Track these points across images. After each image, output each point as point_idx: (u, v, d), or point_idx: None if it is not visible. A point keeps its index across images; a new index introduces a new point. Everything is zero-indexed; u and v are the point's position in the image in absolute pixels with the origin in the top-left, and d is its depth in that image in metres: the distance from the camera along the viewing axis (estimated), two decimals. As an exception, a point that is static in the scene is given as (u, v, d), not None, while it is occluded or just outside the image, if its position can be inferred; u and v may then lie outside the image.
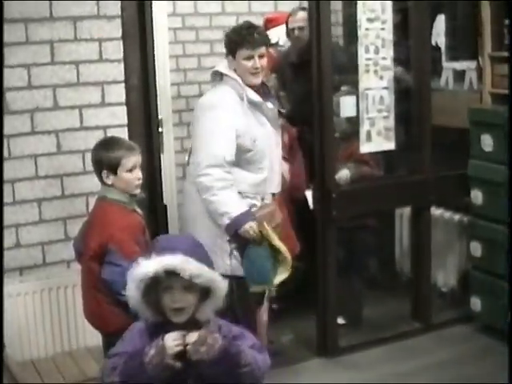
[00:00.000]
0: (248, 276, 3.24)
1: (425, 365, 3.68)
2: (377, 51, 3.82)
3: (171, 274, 2.06)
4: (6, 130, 3.44)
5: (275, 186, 3.39)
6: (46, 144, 3.55)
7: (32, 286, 3.54)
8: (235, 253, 3.25)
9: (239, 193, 3.22)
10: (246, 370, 2.11)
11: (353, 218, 3.91)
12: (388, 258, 4.75)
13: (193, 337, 2.04)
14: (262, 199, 3.30)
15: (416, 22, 3.96)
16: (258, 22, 4.32)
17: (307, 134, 3.84)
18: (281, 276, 3.28)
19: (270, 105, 3.34)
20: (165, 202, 3.68)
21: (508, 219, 3.73)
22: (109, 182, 2.89)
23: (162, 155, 3.79)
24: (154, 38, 3.55)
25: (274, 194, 3.39)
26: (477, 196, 3.99)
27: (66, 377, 3.41)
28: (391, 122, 3.90)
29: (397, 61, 3.89)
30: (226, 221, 3.16)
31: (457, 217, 4.34)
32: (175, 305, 2.09)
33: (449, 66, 4.45)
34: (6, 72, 3.41)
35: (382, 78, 3.85)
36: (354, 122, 3.85)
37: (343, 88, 3.98)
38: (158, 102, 3.64)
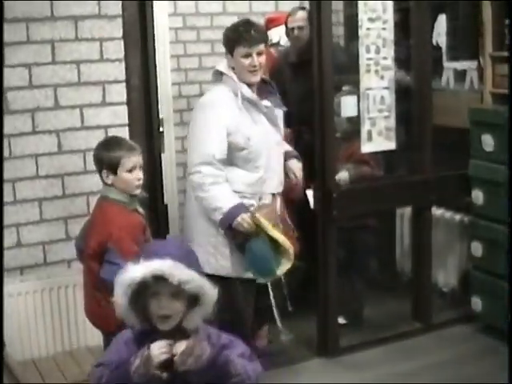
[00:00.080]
0: (251, 268, 3.21)
1: (425, 365, 3.68)
2: (378, 51, 3.82)
3: (159, 279, 2.00)
4: (7, 130, 3.44)
5: (275, 186, 3.35)
6: (47, 143, 3.56)
7: (33, 285, 3.54)
8: (232, 253, 3.24)
9: (236, 192, 3.21)
10: (236, 380, 2.07)
11: (353, 217, 3.91)
12: (388, 257, 4.75)
13: (180, 346, 1.99)
14: (260, 199, 3.27)
15: (417, 22, 3.96)
16: (259, 21, 4.32)
17: (306, 134, 3.84)
18: (284, 266, 3.23)
19: (266, 102, 3.30)
20: (165, 201, 3.68)
21: (509, 219, 3.73)
22: (109, 181, 2.91)
23: (162, 155, 3.79)
24: (155, 38, 3.55)
25: (273, 195, 3.35)
26: (477, 196, 3.99)
27: (67, 376, 3.41)
28: (392, 122, 3.90)
29: (398, 61, 3.89)
30: (219, 216, 3.14)
31: (457, 217, 4.34)
32: (162, 311, 2.04)
33: (450, 66, 4.44)
34: (7, 71, 3.41)
35: (382, 77, 3.85)
36: (355, 122, 3.85)
37: (345, 88, 3.98)
38: (159, 102, 3.63)
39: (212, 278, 3.25)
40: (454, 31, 4.44)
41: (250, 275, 3.27)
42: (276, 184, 3.35)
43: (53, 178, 3.59)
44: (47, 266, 3.63)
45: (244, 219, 3.12)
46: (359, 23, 3.75)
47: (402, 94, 3.96)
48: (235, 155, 3.21)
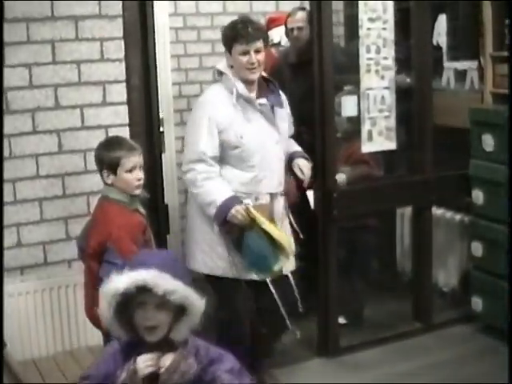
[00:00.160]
0: (247, 263, 3.17)
1: (426, 365, 3.68)
2: (378, 51, 3.82)
3: (144, 290, 1.97)
4: (8, 130, 3.44)
5: (274, 186, 3.29)
6: (48, 143, 3.56)
7: (33, 285, 3.55)
8: (227, 253, 3.22)
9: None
10: None
11: (354, 217, 3.91)
12: (389, 257, 4.75)
13: (166, 360, 1.98)
14: (256, 199, 3.22)
15: (417, 22, 3.95)
16: (260, 21, 4.32)
17: (305, 135, 3.84)
18: (280, 264, 3.17)
19: (262, 100, 3.25)
20: (166, 201, 3.68)
21: (509, 219, 3.73)
22: (109, 181, 2.91)
23: (163, 155, 3.79)
24: (156, 38, 3.56)
25: (272, 195, 3.29)
26: (478, 196, 3.99)
27: (67, 376, 3.41)
28: (392, 122, 3.90)
29: (398, 61, 3.89)
30: (213, 210, 3.12)
31: (458, 217, 4.34)
32: (148, 323, 2.01)
33: (450, 66, 4.44)
34: (8, 71, 3.41)
35: (383, 77, 3.85)
36: (355, 122, 3.85)
37: (346, 87, 3.98)
38: (160, 102, 3.64)
39: (209, 277, 3.30)
40: (455, 31, 4.44)
41: (246, 275, 3.25)
42: (274, 184, 3.29)
43: (53, 178, 3.60)
44: (47, 265, 3.63)
45: (238, 211, 3.09)
46: (359, 23, 3.75)
47: (403, 94, 3.96)
48: (228, 153, 3.19)
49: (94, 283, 2.86)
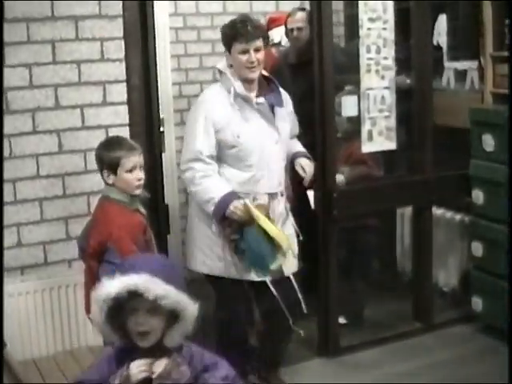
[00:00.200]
0: (247, 262, 3.16)
1: (426, 365, 3.68)
2: (378, 51, 3.82)
3: (135, 294, 1.95)
4: (8, 130, 3.44)
5: (272, 186, 3.25)
6: (48, 143, 3.56)
7: (33, 285, 3.55)
8: (225, 253, 3.21)
9: None
10: None
11: (354, 217, 3.91)
12: (389, 257, 4.75)
13: (159, 366, 1.96)
14: (254, 199, 3.19)
15: (417, 22, 3.96)
16: (260, 20, 4.32)
17: (305, 135, 3.83)
18: (278, 262, 3.14)
19: (260, 99, 3.22)
20: (166, 201, 3.68)
21: (509, 219, 3.73)
22: (110, 181, 2.92)
23: (163, 154, 3.79)
24: (156, 38, 3.56)
25: (271, 195, 3.25)
26: (478, 196, 3.99)
27: (68, 376, 3.41)
28: (392, 122, 3.90)
29: (398, 61, 3.89)
30: (212, 207, 3.11)
31: (458, 217, 4.34)
32: (140, 328, 1.99)
33: (450, 66, 4.44)
34: (8, 71, 3.41)
35: (383, 77, 3.85)
36: (355, 122, 3.85)
37: (347, 87, 3.98)
38: (160, 102, 3.64)
39: (209, 277, 3.30)
40: (455, 31, 4.44)
41: (245, 276, 3.23)
42: (273, 184, 3.26)
43: (53, 178, 3.59)
44: (48, 265, 3.63)
45: (237, 207, 3.07)
46: (360, 23, 3.75)
47: (403, 93, 3.96)
48: (226, 153, 3.18)
49: (94, 283, 2.84)
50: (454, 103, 4.31)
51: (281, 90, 3.34)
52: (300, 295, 3.28)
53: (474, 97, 4.26)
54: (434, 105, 4.03)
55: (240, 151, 3.17)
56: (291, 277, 3.29)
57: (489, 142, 3.88)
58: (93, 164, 3.05)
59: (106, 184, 2.95)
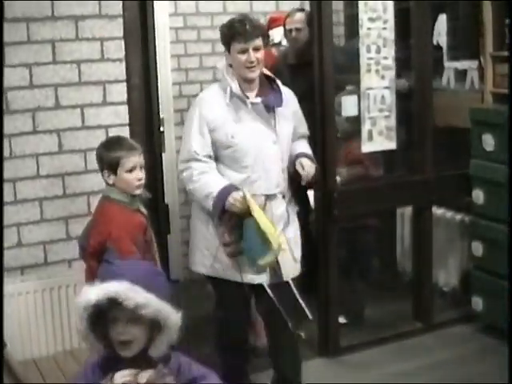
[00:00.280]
0: (244, 253, 3.11)
1: (426, 364, 3.68)
2: (378, 51, 3.82)
3: (115, 302, 1.90)
4: (8, 130, 3.44)
5: (270, 187, 3.17)
6: (48, 143, 3.56)
7: (33, 285, 3.55)
8: (222, 255, 3.18)
9: None
10: None
11: (354, 217, 3.91)
12: (389, 257, 4.76)
13: (144, 377, 1.92)
14: None
15: (417, 22, 3.96)
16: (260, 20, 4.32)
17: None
18: (267, 259, 3.05)
19: (255, 99, 3.16)
20: (166, 201, 3.68)
21: (509, 219, 3.73)
22: (110, 181, 2.92)
23: (163, 154, 3.80)
24: (156, 38, 3.56)
25: (268, 196, 3.17)
26: (478, 196, 3.99)
27: (68, 376, 3.41)
28: (392, 122, 3.90)
29: (398, 61, 3.89)
30: (210, 202, 3.07)
31: (458, 216, 4.34)
32: (121, 337, 1.93)
33: (450, 66, 4.44)
34: (8, 71, 3.41)
35: (383, 77, 3.85)
36: (353, 122, 3.85)
37: (348, 87, 3.98)
38: (160, 102, 3.64)
39: (208, 278, 3.30)
40: (455, 31, 4.44)
41: (243, 277, 3.17)
42: (271, 185, 3.18)
43: (53, 178, 3.59)
44: (48, 265, 3.63)
45: (236, 199, 3.02)
46: (360, 23, 3.75)
47: (403, 93, 3.97)
48: (222, 153, 3.14)
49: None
50: (453, 103, 4.32)
51: (285, 89, 3.29)
52: (302, 301, 3.20)
53: (474, 97, 4.26)
54: (434, 105, 4.03)
55: (235, 152, 3.12)
56: (290, 282, 3.21)
57: (489, 141, 3.88)
58: (93, 164, 3.05)
59: (107, 184, 2.95)
